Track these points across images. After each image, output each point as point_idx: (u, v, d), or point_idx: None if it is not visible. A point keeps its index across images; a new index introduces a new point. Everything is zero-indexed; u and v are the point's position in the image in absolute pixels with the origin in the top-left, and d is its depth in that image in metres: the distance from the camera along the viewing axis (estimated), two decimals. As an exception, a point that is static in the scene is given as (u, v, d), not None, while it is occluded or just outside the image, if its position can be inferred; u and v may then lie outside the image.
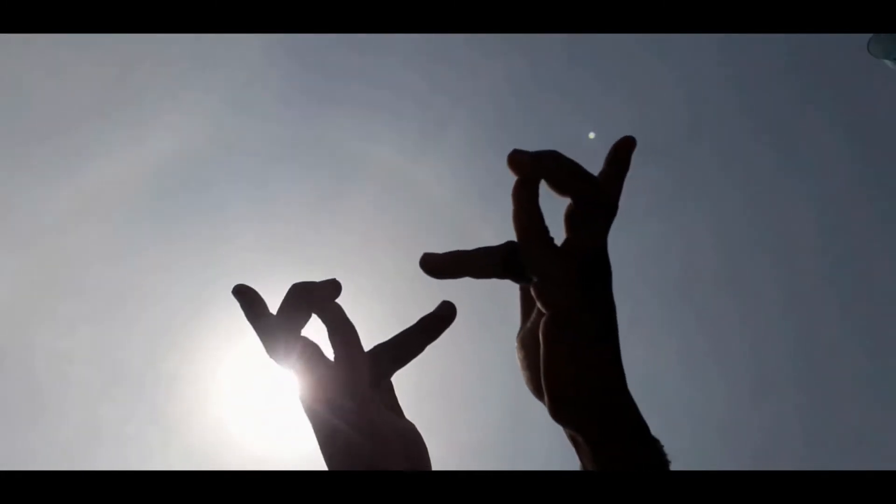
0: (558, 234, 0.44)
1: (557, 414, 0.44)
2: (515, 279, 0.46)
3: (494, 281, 0.46)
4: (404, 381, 0.55)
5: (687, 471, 0.42)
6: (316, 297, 0.48)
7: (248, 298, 0.48)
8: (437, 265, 0.44)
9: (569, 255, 0.42)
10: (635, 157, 0.46)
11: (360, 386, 0.47)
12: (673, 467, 0.44)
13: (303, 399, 0.48)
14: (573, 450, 0.46)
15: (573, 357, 0.43)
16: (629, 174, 0.46)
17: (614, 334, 0.44)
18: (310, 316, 0.48)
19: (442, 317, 0.52)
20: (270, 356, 0.47)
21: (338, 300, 0.49)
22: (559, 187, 0.43)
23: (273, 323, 0.47)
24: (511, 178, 0.43)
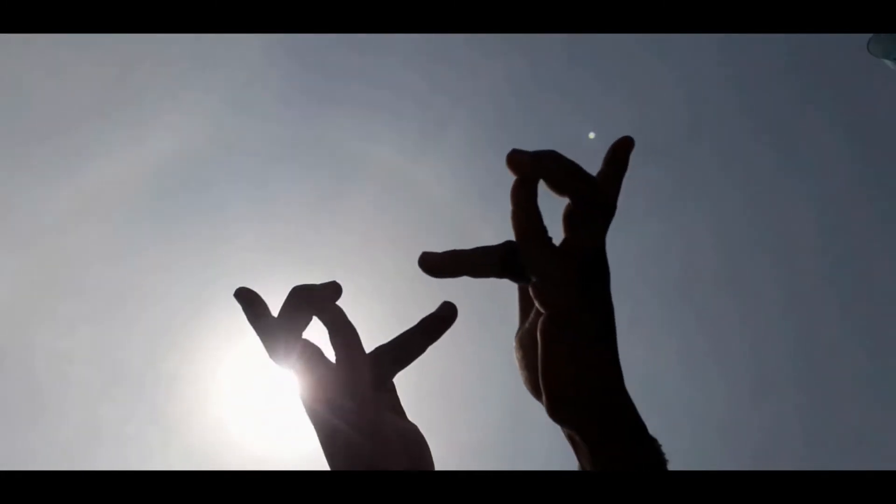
0: (556, 233, 0.44)
1: (556, 413, 0.44)
2: (514, 279, 0.46)
3: (493, 281, 0.46)
4: (404, 382, 0.55)
5: (685, 471, 0.42)
6: (317, 300, 0.48)
7: (249, 301, 0.48)
8: (436, 264, 0.44)
9: (567, 254, 0.43)
10: (635, 157, 0.46)
11: (361, 387, 0.47)
12: (672, 467, 0.44)
13: (304, 401, 0.48)
14: (571, 449, 0.46)
15: (572, 357, 0.43)
16: (628, 174, 0.46)
17: (613, 334, 0.44)
18: (311, 318, 0.48)
19: (443, 317, 0.52)
20: (272, 358, 0.47)
21: (338, 302, 0.49)
22: (558, 187, 0.43)
23: (274, 325, 0.47)
24: (510, 178, 0.43)
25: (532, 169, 0.43)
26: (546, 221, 0.44)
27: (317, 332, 0.49)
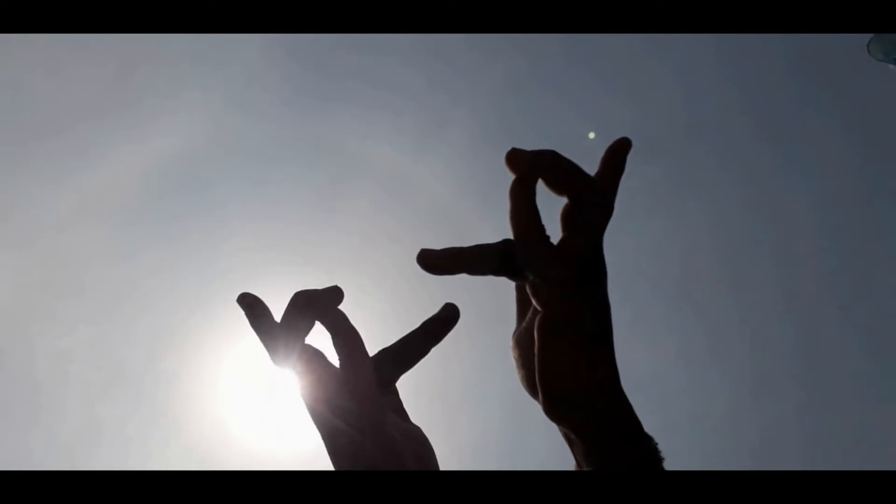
0: (554, 233, 0.44)
1: (552, 412, 0.44)
2: (511, 277, 0.46)
3: (492, 280, 0.46)
4: (403, 381, 0.55)
5: (682, 471, 0.43)
6: (319, 305, 0.48)
7: (252, 307, 0.48)
8: (435, 261, 0.44)
9: (566, 254, 0.43)
10: (635, 157, 0.46)
11: (365, 390, 0.47)
12: (671, 466, 0.44)
13: (308, 404, 0.48)
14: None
15: (568, 355, 0.43)
16: (627, 173, 0.46)
17: (610, 334, 0.44)
18: (313, 323, 0.48)
19: (445, 319, 0.52)
20: (275, 363, 0.48)
21: (340, 305, 0.49)
22: (556, 186, 0.43)
23: (277, 330, 0.47)
24: (509, 177, 0.44)
25: (531, 168, 0.43)
26: (544, 221, 0.44)
27: (320, 337, 0.49)
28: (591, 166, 0.46)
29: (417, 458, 0.49)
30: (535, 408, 0.46)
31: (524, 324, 0.48)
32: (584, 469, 0.44)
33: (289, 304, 0.48)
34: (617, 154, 0.46)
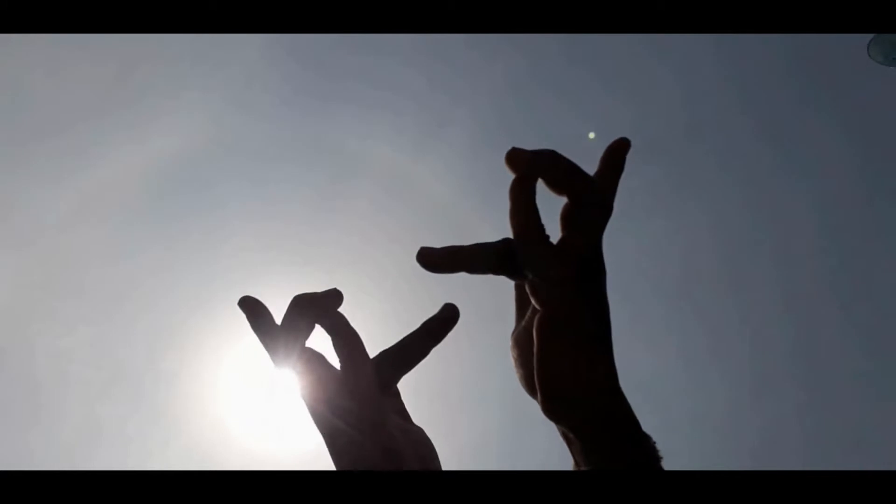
0: (553, 233, 0.44)
1: (550, 411, 0.44)
2: (511, 276, 0.46)
3: (492, 280, 0.47)
4: (403, 382, 0.55)
5: (681, 471, 0.43)
6: (319, 308, 0.48)
7: (253, 310, 0.48)
8: (434, 259, 0.44)
9: (566, 253, 0.43)
10: (635, 157, 0.46)
11: (365, 390, 0.47)
12: (671, 466, 0.44)
13: (309, 406, 0.48)
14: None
15: (567, 355, 0.43)
16: (627, 173, 0.46)
17: (608, 333, 0.44)
18: (314, 326, 0.48)
19: (445, 319, 0.52)
20: (276, 366, 0.48)
21: (340, 308, 0.49)
22: (556, 186, 0.43)
23: (278, 333, 0.47)
24: (509, 177, 0.44)
25: (531, 167, 0.43)
26: (543, 220, 0.44)
27: (321, 341, 0.49)
28: (591, 166, 0.46)
29: (420, 458, 0.49)
30: (534, 408, 0.46)
31: (523, 323, 0.48)
32: (583, 468, 0.44)
33: (289, 307, 0.48)
34: (616, 154, 0.46)
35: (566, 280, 0.43)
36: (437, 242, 0.45)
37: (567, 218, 0.43)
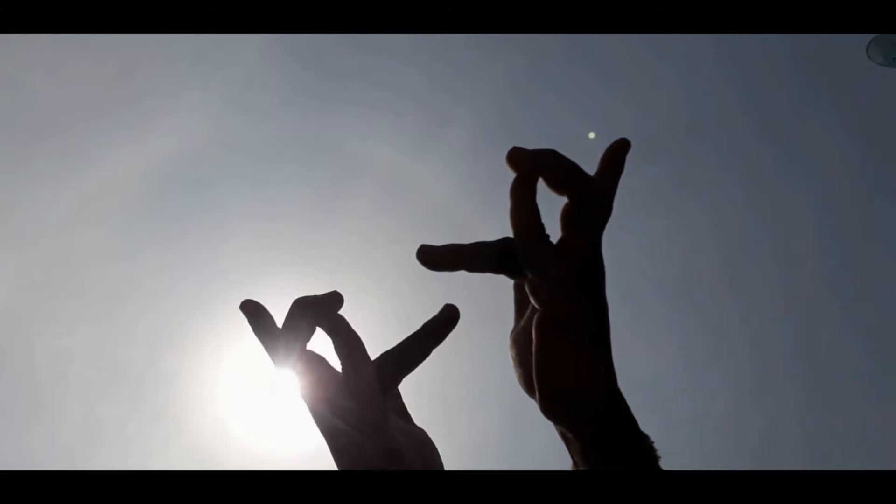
0: (552, 233, 0.44)
1: (550, 411, 0.44)
2: (510, 275, 0.46)
3: (492, 279, 0.47)
4: (403, 382, 0.55)
5: (684, 471, 0.43)
6: (319, 311, 0.48)
7: (254, 314, 0.49)
8: (434, 257, 0.44)
9: (566, 253, 0.43)
10: (636, 157, 0.46)
11: (365, 391, 0.47)
12: (672, 466, 0.44)
13: (310, 406, 0.48)
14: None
15: (567, 355, 0.43)
16: (628, 173, 0.46)
17: (607, 333, 0.45)
18: (315, 329, 0.48)
19: (445, 320, 0.52)
20: (278, 369, 0.48)
21: (340, 311, 0.49)
22: (556, 185, 0.43)
23: (279, 337, 0.48)
24: (510, 177, 0.44)
25: (532, 167, 0.43)
26: (543, 220, 0.44)
27: (322, 345, 0.49)
28: (591, 166, 0.46)
29: (422, 459, 0.50)
30: (534, 408, 0.46)
31: (522, 322, 0.48)
32: (581, 468, 0.44)
33: (290, 310, 0.48)
34: (616, 154, 0.46)
35: (567, 280, 0.43)
36: (437, 242, 0.45)
37: (567, 218, 0.43)
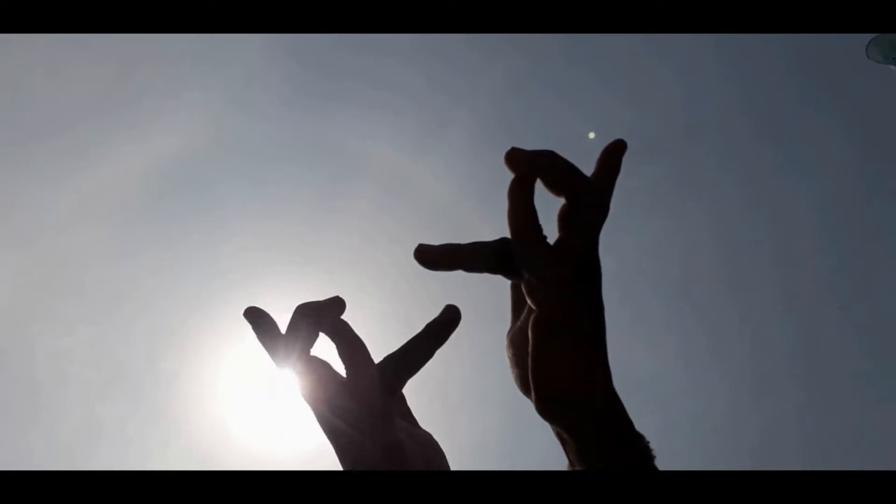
0: (550, 233, 0.44)
1: (547, 412, 0.44)
2: (507, 275, 0.46)
3: (492, 279, 0.47)
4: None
5: (684, 471, 0.43)
6: (322, 317, 0.48)
7: (257, 320, 0.49)
8: (431, 257, 0.45)
9: (563, 254, 0.43)
10: (636, 157, 0.46)
11: (365, 391, 0.47)
12: (672, 466, 0.44)
13: (313, 410, 0.48)
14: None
15: (566, 356, 0.43)
16: (627, 174, 0.46)
17: (603, 334, 0.45)
18: (317, 334, 0.49)
19: (447, 322, 0.52)
20: (282, 374, 0.48)
21: (343, 316, 0.49)
22: (554, 186, 0.43)
23: (283, 343, 0.48)
24: (508, 177, 0.44)
25: (530, 167, 0.43)
26: (540, 221, 0.44)
27: (325, 350, 0.50)
28: (591, 166, 0.46)
29: (425, 460, 0.50)
30: (533, 407, 0.46)
31: (519, 323, 0.48)
32: (577, 468, 0.44)
33: (292, 316, 0.48)
34: (612, 155, 0.46)
35: (564, 280, 0.43)
36: (437, 242, 0.45)
37: (565, 219, 0.44)
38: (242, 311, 0.49)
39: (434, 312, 0.53)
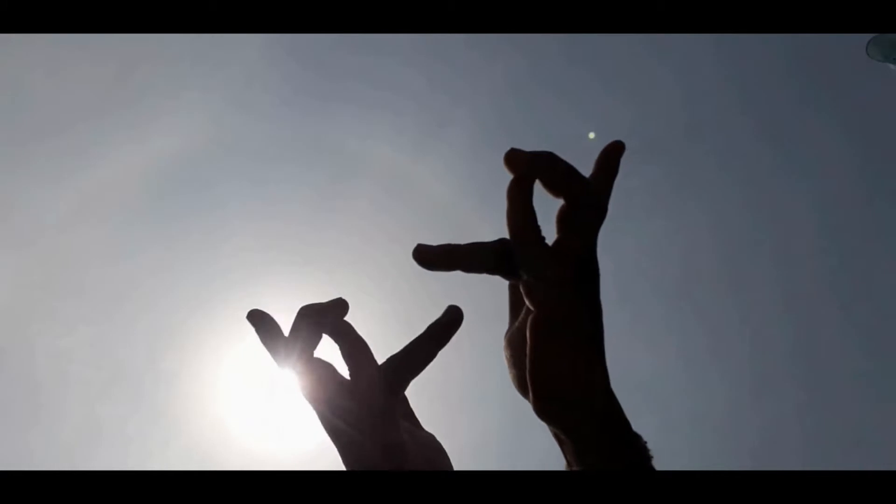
0: (548, 234, 0.44)
1: (545, 412, 0.44)
2: (506, 276, 0.46)
3: (492, 279, 0.47)
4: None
5: (684, 471, 0.43)
6: (325, 318, 0.48)
7: (261, 323, 0.49)
8: (430, 257, 0.45)
9: (562, 254, 0.43)
10: (636, 157, 0.46)
11: (365, 391, 0.47)
12: (673, 466, 0.44)
13: (315, 410, 0.48)
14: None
15: (565, 356, 0.43)
16: (628, 174, 0.46)
17: (601, 335, 0.45)
18: (321, 336, 0.49)
19: (449, 322, 0.52)
20: (285, 375, 0.48)
21: (346, 317, 0.49)
22: (553, 187, 0.43)
23: (286, 345, 0.48)
24: (508, 177, 0.44)
25: (529, 168, 0.43)
26: (539, 222, 0.44)
27: (328, 352, 0.50)
28: (591, 167, 0.46)
29: (427, 461, 0.50)
30: (530, 408, 0.46)
31: (517, 324, 0.48)
32: (575, 468, 0.44)
33: (296, 318, 0.48)
34: (610, 156, 0.46)
35: (563, 281, 0.43)
36: (437, 242, 0.45)
37: (564, 219, 0.44)
38: (245, 314, 0.49)
39: (434, 312, 0.53)
